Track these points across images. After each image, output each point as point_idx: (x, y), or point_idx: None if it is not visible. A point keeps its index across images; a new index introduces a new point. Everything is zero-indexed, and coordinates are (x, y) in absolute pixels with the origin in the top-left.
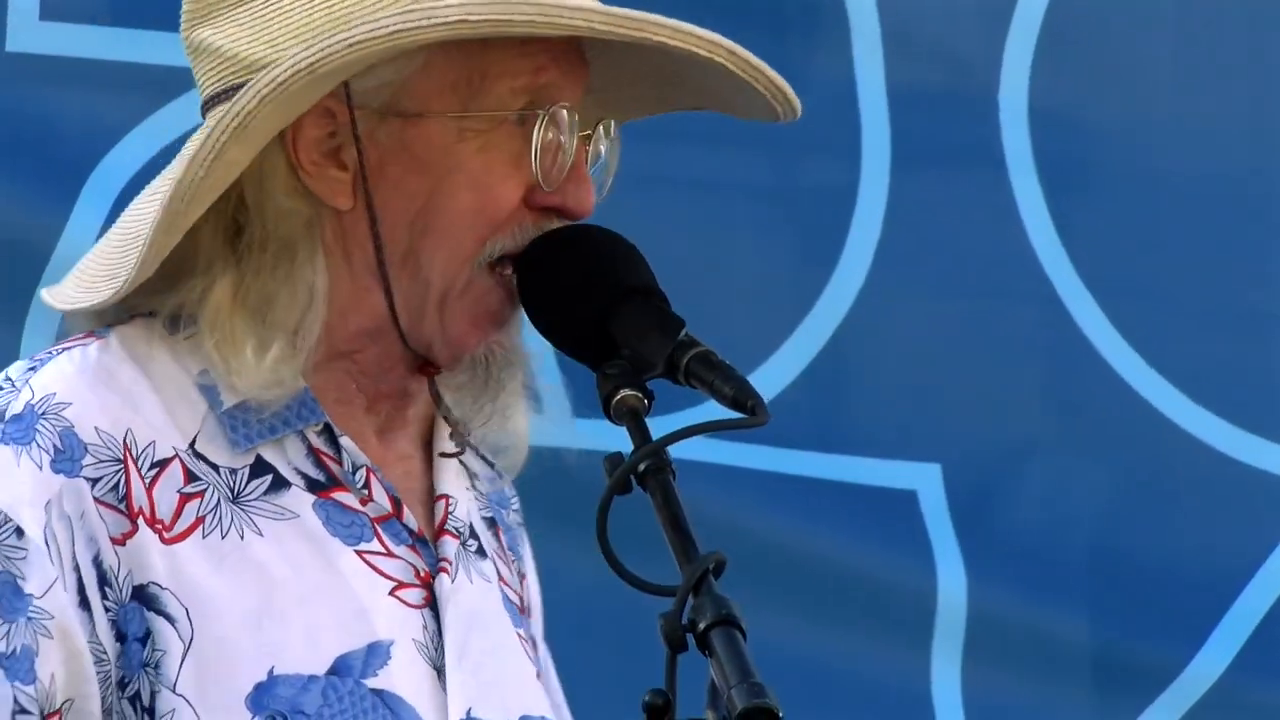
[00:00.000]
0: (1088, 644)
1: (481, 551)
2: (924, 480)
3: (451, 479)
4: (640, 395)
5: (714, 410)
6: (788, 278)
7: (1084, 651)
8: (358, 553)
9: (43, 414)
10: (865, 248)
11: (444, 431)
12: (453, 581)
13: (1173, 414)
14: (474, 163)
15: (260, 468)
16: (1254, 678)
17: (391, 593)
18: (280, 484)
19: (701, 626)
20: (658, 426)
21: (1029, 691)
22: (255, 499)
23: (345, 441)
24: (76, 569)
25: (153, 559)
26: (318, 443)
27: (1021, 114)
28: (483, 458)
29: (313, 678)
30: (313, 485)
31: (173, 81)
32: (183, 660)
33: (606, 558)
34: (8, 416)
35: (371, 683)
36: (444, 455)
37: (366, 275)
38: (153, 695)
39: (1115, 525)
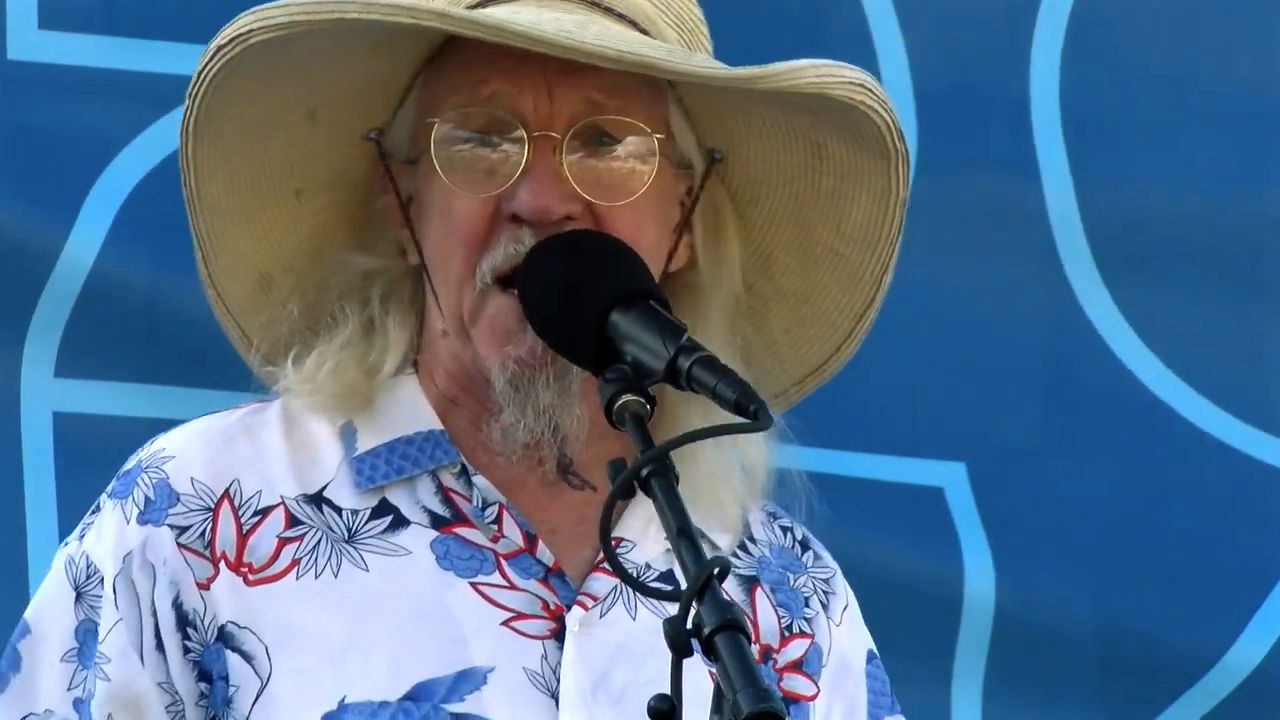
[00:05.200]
0: (1116, 636)
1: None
2: (950, 478)
3: (637, 525)
4: (642, 400)
5: None
6: None
7: (1113, 644)
8: (473, 585)
9: (146, 468)
10: None
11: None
12: (601, 616)
13: (1191, 414)
14: (440, 187)
15: (382, 508)
16: None
17: (505, 623)
18: (400, 523)
19: (706, 631)
20: None
21: (1057, 686)
22: (370, 537)
23: (479, 480)
24: (154, 613)
25: (233, 600)
26: (450, 482)
27: (1054, 117)
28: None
29: (383, 704)
30: (436, 521)
31: (174, 90)
32: (257, 696)
33: (610, 562)
34: (121, 472)
35: (455, 707)
36: (573, 483)
37: (440, 322)
38: None
39: (1137, 520)
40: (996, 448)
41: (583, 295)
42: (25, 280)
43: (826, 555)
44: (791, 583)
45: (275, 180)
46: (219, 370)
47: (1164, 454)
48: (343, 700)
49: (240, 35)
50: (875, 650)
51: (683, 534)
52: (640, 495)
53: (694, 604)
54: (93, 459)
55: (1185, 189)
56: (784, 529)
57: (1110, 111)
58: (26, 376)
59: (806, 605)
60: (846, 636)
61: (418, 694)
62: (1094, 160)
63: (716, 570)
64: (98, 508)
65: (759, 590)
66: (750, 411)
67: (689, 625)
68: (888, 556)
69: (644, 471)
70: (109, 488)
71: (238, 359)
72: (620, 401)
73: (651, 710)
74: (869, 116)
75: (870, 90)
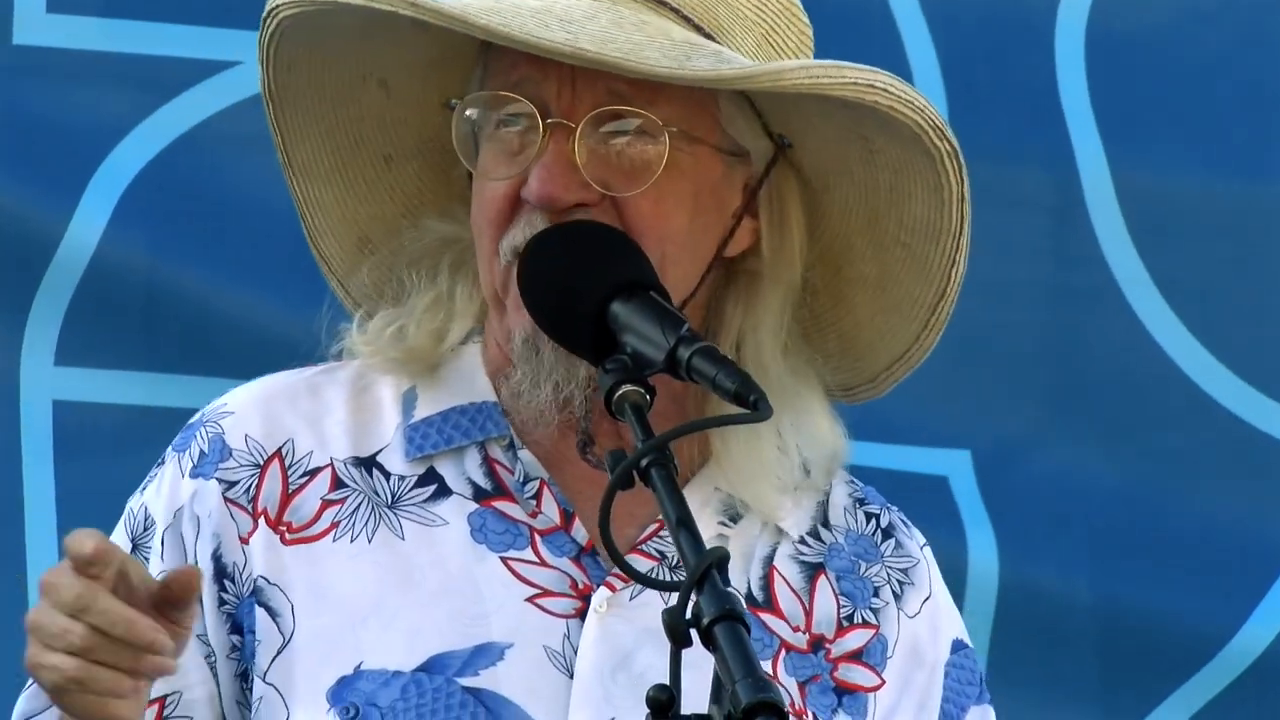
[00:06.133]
0: (1121, 622)
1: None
2: (955, 466)
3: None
4: (642, 391)
5: None
6: None
7: (1117, 630)
8: (503, 559)
9: (205, 422)
10: None
11: (709, 474)
12: (632, 598)
13: (1215, 389)
14: (481, 166)
15: (428, 477)
16: None
17: (530, 599)
18: (442, 493)
19: (705, 621)
20: None
21: (1060, 672)
22: (411, 505)
23: (523, 454)
24: (197, 566)
25: (267, 556)
26: (497, 454)
27: (1086, 104)
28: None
29: (397, 673)
30: (478, 494)
31: (180, 74)
32: (278, 652)
33: (610, 552)
34: (186, 424)
35: (469, 681)
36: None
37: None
38: (250, 682)
39: (1144, 502)
40: (1000, 435)
41: (578, 288)
42: (26, 268)
43: (912, 544)
44: (861, 571)
45: (365, 146)
46: (218, 358)
47: (1171, 436)
48: (359, 666)
49: (272, 10)
50: (965, 639)
51: (681, 524)
52: (698, 478)
53: (693, 594)
54: (91, 447)
55: (1214, 168)
56: (869, 515)
57: (1137, 90)
58: (26, 364)
59: (875, 595)
60: (924, 628)
61: (432, 666)
62: (1126, 142)
63: (716, 560)
64: (162, 460)
65: (822, 577)
66: (750, 402)
67: (689, 615)
68: None
69: (644, 462)
70: (174, 440)
71: (236, 347)
72: (620, 392)
73: (650, 700)
74: (891, 116)
75: (885, 89)
